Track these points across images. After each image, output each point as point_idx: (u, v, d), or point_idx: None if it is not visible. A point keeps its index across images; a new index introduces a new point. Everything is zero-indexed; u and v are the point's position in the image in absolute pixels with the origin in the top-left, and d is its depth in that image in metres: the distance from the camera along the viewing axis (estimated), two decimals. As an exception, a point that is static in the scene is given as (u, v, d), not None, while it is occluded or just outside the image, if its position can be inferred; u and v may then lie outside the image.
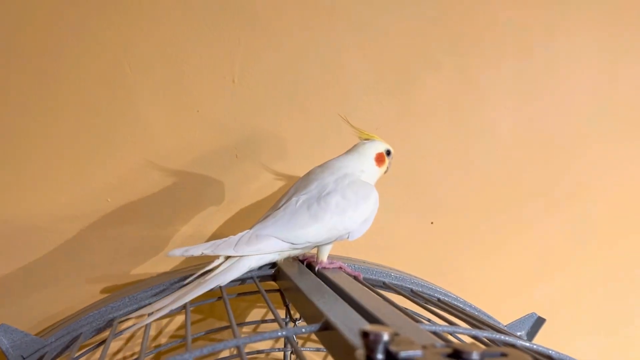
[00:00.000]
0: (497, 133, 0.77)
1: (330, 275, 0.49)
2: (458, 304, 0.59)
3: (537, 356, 0.39)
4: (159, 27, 0.66)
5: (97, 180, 0.65)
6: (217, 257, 0.48)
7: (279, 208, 0.51)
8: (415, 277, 0.62)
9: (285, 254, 0.51)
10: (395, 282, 0.57)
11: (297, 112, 0.71)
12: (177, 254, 0.46)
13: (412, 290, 0.56)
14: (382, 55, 0.72)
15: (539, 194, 0.79)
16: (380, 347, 0.24)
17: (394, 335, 0.25)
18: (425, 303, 0.52)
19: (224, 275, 0.47)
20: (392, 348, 0.24)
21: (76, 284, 0.65)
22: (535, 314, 0.61)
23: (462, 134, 0.76)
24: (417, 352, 0.24)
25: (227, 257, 0.48)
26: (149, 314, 0.45)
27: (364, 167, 0.54)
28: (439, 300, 0.56)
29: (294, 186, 0.54)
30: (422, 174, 0.75)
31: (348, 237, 0.51)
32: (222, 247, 0.47)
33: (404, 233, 0.75)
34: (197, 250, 0.47)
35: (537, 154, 0.78)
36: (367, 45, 0.72)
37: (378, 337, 0.24)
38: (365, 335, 0.25)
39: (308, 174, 0.55)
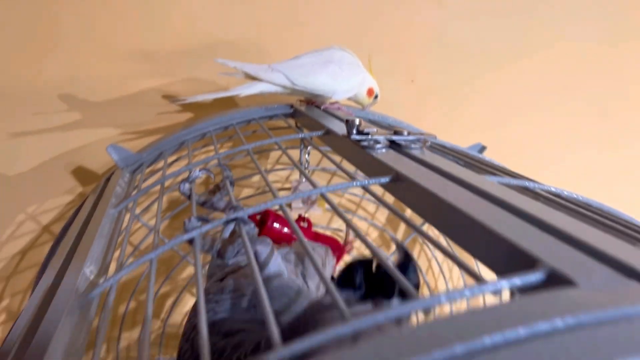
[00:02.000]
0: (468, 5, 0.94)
1: (331, 111, 0.70)
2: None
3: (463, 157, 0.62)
4: None
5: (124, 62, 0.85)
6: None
7: (293, 59, 0.71)
8: (395, 118, 0.84)
9: (288, 91, 0.70)
10: (378, 119, 0.79)
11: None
12: (219, 61, 0.65)
13: (389, 125, 0.78)
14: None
15: (503, 51, 0.97)
16: (355, 128, 0.47)
17: (362, 122, 0.47)
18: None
19: (242, 89, 0.67)
20: (361, 128, 0.47)
21: (155, 120, 0.87)
22: (480, 144, 0.84)
23: (437, 5, 0.93)
24: (373, 129, 0.47)
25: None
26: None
27: (360, 77, 0.71)
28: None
29: (311, 51, 0.73)
30: (405, 42, 0.93)
31: (332, 97, 0.71)
32: (247, 68, 0.66)
33: (388, 89, 0.93)
34: (232, 64, 0.65)
35: (503, 17, 0.95)
36: None
37: (353, 121, 0.47)
38: (347, 121, 0.47)
39: (327, 47, 0.72)
